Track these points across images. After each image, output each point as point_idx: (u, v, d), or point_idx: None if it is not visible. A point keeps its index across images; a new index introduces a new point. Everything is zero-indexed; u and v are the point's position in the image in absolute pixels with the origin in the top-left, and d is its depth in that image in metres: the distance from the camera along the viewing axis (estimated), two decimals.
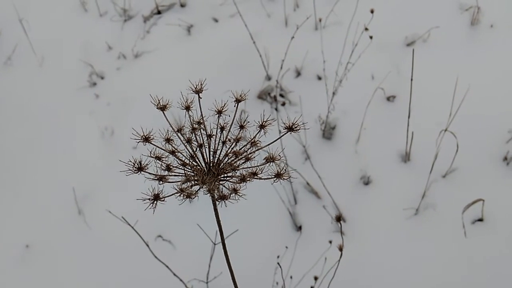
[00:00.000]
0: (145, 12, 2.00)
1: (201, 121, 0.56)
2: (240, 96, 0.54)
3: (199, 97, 0.55)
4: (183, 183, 0.49)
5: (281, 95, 1.60)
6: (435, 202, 1.37)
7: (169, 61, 1.84)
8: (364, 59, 1.50)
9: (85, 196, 1.54)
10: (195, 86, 0.55)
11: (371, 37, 1.30)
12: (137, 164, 0.52)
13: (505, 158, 1.41)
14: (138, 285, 1.35)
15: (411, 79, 1.23)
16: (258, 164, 0.50)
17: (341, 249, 0.80)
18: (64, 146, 1.70)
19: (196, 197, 0.47)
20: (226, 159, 0.53)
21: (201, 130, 0.55)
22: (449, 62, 1.61)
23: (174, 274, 1.06)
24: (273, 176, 0.50)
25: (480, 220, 1.32)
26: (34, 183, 1.62)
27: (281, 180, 0.49)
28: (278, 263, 0.88)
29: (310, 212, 1.39)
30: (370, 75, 1.63)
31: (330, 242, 1.14)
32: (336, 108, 1.54)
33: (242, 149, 0.52)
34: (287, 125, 0.52)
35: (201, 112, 0.55)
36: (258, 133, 0.53)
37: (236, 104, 0.53)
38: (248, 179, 0.49)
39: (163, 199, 0.48)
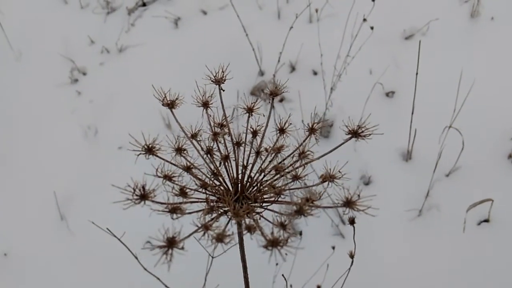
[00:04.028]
0: (129, 3, 1.90)
1: (225, 123, 0.41)
2: (276, 88, 0.41)
3: (220, 89, 0.42)
4: (205, 215, 0.34)
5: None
6: (439, 202, 1.31)
7: (155, 55, 1.75)
8: (361, 53, 1.43)
9: (68, 200, 1.44)
10: (215, 74, 0.41)
11: (372, 28, 1.22)
12: (139, 190, 0.35)
13: (510, 156, 1.35)
14: None
15: (416, 73, 1.16)
16: (312, 185, 0.37)
17: (352, 256, 0.73)
18: (44, 147, 1.59)
19: (232, 241, 0.33)
20: (261, 177, 0.39)
21: (225, 136, 0.40)
22: (450, 55, 1.55)
23: (166, 286, 0.97)
24: (341, 204, 0.36)
25: (486, 221, 1.26)
26: (12, 187, 1.52)
27: (353, 211, 0.36)
28: (281, 271, 0.81)
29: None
30: (367, 70, 1.56)
31: (333, 248, 1.06)
32: (333, 105, 1.47)
33: (286, 162, 0.39)
34: (350, 129, 0.39)
35: (224, 110, 0.42)
36: (307, 138, 0.40)
37: (271, 100, 0.41)
38: (308, 210, 0.33)
39: (181, 245, 0.32)
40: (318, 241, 1.28)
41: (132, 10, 1.87)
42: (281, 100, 1.26)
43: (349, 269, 0.79)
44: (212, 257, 0.78)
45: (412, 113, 1.26)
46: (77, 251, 1.36)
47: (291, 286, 1.10)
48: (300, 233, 1.27)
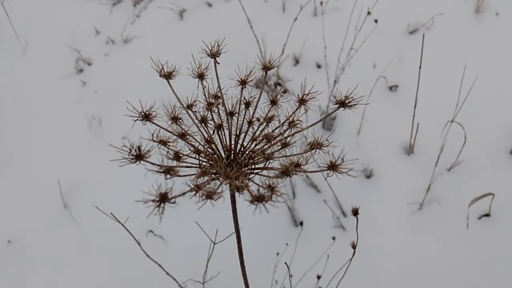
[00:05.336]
0: None
1: (219, 95, 0.43)
2: (269, 63, 0.43)
3: (215, 62, 0.44)
4: (198, 177, 0.36)
5: (279, 84, 1.53)
6: (440, 196, 1.31)
7: (160, 46, 1.75)
8: (365, 47, 1.43)
9: (72, 189, 1.46)
10: (211, 48, 0.43)
11: (376, 21, 1.23)
12: (135, 151, 0.38)
13: None
14: (128, 283, 1.28)
15: (420, 66, 1.16)
16: (300, 152, 0.39)
17: (354, 247, 0.74)
18: (49, 136, 1.60)
19: (222, 197, 0.35)
20: (253, 145, 0.40)
21: (219, 106, 0.42)
22: (454, 50, 1.55)
23: (168, 274, 0.98)
24: (326, 168, 0.38)
25: (487, 215, 1.27)
26: (17, 175, 1.53)
27: (337, 173, 0.38)
28: (282, 260, 0.82)
29: (310, 207, 1.33)
30: (371, 63, 1.56)
31: (334, 238, 1.07)
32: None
33: (276, 131, 0.41)
34: (338, 100, 0.41)
35: (219, 82, 0.43)
36: (297, 109, 0.41)
37: (264, 74, 0.43)
38: (293, 172, 0.36)
39: (172, 200, 0.34)
40: (319, 232, 1.29)
41: (137, 1, 1.88)
42: (284, 92, 1.27)
43: (351, 259, 0.80)
44: (214, 243, 0.79)
45: (415, 107, 1.26)
46: (80, 239, 1.37)
47: (291, 275, 1.11)
48: (301, 224, 1.28)
